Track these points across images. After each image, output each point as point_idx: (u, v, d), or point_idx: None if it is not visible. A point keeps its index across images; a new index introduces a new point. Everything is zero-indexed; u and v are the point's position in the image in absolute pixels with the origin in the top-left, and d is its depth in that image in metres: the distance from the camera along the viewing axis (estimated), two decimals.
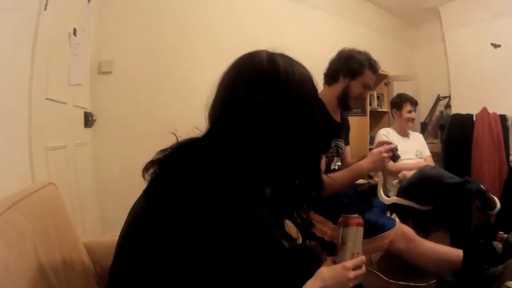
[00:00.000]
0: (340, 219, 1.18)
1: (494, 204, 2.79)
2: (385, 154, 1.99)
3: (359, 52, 2.27)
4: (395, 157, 2.03)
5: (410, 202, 3.09)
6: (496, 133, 4.46)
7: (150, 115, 3.27)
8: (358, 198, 2.41)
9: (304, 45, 4.51)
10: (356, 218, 1.16)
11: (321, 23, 4.98)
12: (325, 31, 4.97)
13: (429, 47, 6.29)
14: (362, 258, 1.10)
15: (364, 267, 1.09)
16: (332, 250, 2.08)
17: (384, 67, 5.21)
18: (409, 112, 3.64)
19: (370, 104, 5.27)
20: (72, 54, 2.40)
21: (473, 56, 5.36)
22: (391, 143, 2.05)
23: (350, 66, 2.22)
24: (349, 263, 1.06)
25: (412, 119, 3.67)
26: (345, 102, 2.26)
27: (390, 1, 5.74)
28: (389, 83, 5.57)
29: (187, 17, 3.58)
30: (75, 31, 2.43)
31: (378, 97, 5.53)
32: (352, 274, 1.02)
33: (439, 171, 3.07)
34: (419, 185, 3.06)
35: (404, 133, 3.69)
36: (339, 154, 2.34)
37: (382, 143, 2.06)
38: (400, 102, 3.73)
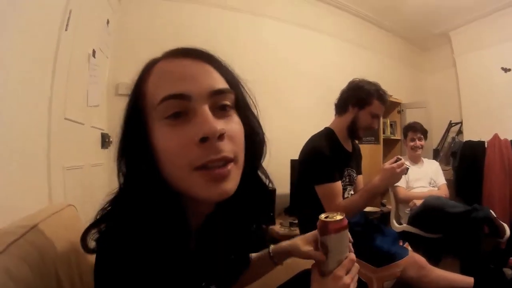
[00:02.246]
0: (318, 223, 0.98)
1: (504, 231, 2.76)
2: (398, 170, 1.99)
3: (369, 83, 2.29)
4: (406, 169, 2.04)
5: (418, 230, 3.08)
6: (507, 160, 4.44)
7: None
8: (369, 227, 2.41)
9: (316, 72, 4.57)
10: (334, 223, 0.95)
11: (333, 50, 5.04)
12: (338, 58, 5.02)
13: (440, 72, 6.32)
14: (351, 257, 0.97)
15: (356, 264, 0.97)
16: None
17: (397, 95, 5.31)
18: (412, 140, 3.64)
19: (383, 132, 5.29)
20: (90, 76, 2.45)
21: (484, 81, 5.37)
22: (400, 159, 2.05)
23: (358, 96, 2.25)
24: (340, 270, 0.92)
25: (416, 147, 3.65)
26: (355, 132, 2.30)
27: (401, 27, 5.80)
28: (402, 110, 5.60)
29: (203, 41, 3.63)
30: (94, 52, 2.48)
31: (391, 125, 5.57)
32: (348, 279, 0.91)
33: (442, 201, 3.05)
34: (423, 215, 3.05)
35: (415, 160, 3.68)
36: (352, 183, 2.34)
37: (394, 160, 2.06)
38: (405, 131, 3.76)
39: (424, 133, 3.73)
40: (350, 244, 0.99)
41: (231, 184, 0.72)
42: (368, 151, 4.64)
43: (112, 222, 0.71)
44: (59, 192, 1.91)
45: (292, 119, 4.27)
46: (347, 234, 0.98)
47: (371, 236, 2.23)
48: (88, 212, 2.39)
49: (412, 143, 3.65)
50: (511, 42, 5.03)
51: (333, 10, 5.05)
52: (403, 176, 3.42)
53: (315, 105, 4.28)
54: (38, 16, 1.73)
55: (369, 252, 2.13)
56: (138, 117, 0.74)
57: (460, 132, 5.62)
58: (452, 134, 5.66)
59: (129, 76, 2.82)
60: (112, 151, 2.56)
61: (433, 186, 3.58)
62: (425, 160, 3.79)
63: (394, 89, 5.21)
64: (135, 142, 0.73)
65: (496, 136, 4.62)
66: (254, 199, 0.90)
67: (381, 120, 5.04)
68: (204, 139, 0.67)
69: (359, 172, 2.49)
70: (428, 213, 2.99)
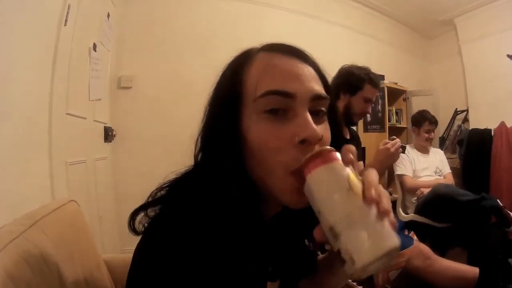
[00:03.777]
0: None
1: (511, 221, 2.74)
2: (393, 149, 1.97)
3: (359, 68, 2.28)
4: (403, 148, 2.04)
5: (426, 219, 3.05)
6: None
7: (169, 129, 3.30)
8: None
9: (321, 61, 4.52)
10: (311, 158, 0.60)
11: (338, 39, 5.01)
12: (343, 47, 4.97)
13: (446, 60, 6.24)
14: None
15: None
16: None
17: (402, 83, 5.32)
18: (428, 132, 3.61)
19: (389, 120, 5.28)
20: (92, 69, 2.44)
21: (490, 68, 5.30)
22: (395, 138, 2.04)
23: (349, 82, 2.23)
24: None
25: (430, 139, 3.63)
26: (349, 119, 2.27)
27: (406, 15, 5.73)
28: (408, 98, 5.62)
29: (206, 33, 3.65)
30: (95, 46, 2.46)
31: (396, 113, 5.57)
32: None
33: (453, 189, 3.04)
34: (433, 203, 3.03)
35: (423, 150, 3.66)
36: None
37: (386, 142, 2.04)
38: (420, 120, 3.69)
39: (437, 125, 3.72)
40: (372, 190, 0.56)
41: None
42: (374, 139, 4.63)
43: (178, 202, 0.68)
44: (62, 188, 1.91)
45: None
46: (339, 174, 0.58)
47: None
48: (92, 206, 2.40)
49: (427, 135, 3.62)
50: None
51: None
52: (409, 165, 3.44)
53: None
54: (37, 13, 1.72)
55: None
56: (233, 104, 0.72)
57: (466, 120, 5.56)
58: (458, 122, 5.61)
59: (131, 69, 2.82)
60: (115, 145, 2.56)
61: (439, 175, 3.56)
62: (431, 148, 3.77)
63: (399, 77, 5.30)
64: (225, 127, 0.71)
65: (502, 124, 4.57)
66: None
67: (387, 107, 5.09)
68: (303, 141, 0.65)
69: (359, 159, 2.46)
70: (437, 201, 2.97)
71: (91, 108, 2.47)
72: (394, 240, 0.51)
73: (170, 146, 3.08)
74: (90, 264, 1.14)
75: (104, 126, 2.79)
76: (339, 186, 0.56)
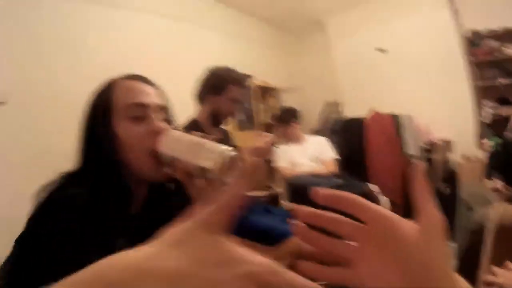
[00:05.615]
0: None
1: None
2: (265, 145, 1.92)
3: (222, 69, 2.30)
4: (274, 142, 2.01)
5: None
6: (389, 132, 4.53)
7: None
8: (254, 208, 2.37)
9: (191, 64, 4.31)
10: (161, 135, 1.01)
11: (208, 42, 4.86)
12: (213, 50, 4.85)
13: (315, 56, 6.49)
14: None
15: None
16: None
17: (272, 81, 5.60)
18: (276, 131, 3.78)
19: (261, 118, 5.45)
20: None
21: (361, 62, 5.60)
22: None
23: (213, 84, 2.25)
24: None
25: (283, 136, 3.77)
26: (217, 120, 2.29)
27: (275, 15, 5.87)
28: (276, 96, 5.88)
29: (64, 41, 3.22)
30: None
31: (265, 111, 5.72)
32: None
33: (306, 180, 3.18)
34: (292, 195, 3.20)
35: (295, 140, 3.77)
36: None
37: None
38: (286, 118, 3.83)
39: (284, 120, 3.82)
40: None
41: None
42: (248, 138, 4.56)
43: (70, 186, 0.91)
44: None
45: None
46: (177, 133, 0.99)
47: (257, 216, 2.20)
48: None
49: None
50: (386, 24, 5.36)
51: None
52: (283, 156, 3.60)
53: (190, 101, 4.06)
54: None
55: (258, 233, 2.04)
56: (106, 114, 0.99)
57: (340, 112, 5.81)
58: (332, 115, 5.80)
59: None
60: None
61: (318, 163, 3.63)
62: (310, 137, 3.87)
63: (269, 75, 5.56)
64: (103, 129, 0.98)
65: (375, 112, 4.73)
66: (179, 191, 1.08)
67: (257, 105, 5.37)
68: (155, 133, 0.96)
69: None
70: (294, 193, 3.01)
71: None
72: (225, 149, 0.86)
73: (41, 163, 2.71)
74: None
75: None
76: (178, 137, 0.95)
